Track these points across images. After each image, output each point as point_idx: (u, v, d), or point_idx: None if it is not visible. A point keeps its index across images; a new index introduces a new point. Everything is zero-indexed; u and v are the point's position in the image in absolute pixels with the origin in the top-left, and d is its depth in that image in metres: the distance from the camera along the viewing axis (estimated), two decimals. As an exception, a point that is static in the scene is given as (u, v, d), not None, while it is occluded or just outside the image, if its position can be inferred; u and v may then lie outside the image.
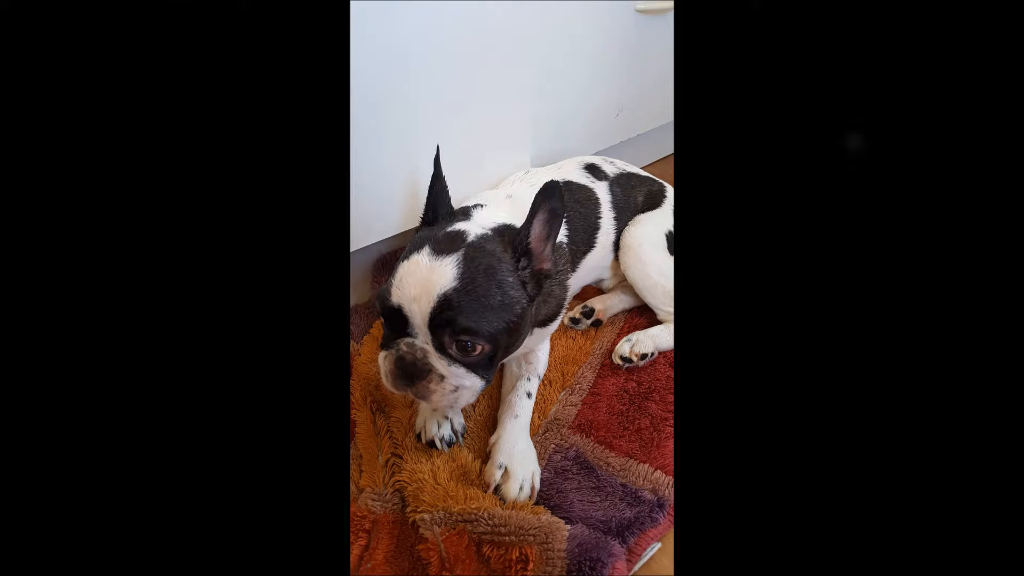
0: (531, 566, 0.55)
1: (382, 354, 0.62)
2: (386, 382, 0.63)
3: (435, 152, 0.73)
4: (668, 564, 0.61)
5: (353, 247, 0.88)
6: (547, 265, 0.67)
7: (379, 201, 0.89)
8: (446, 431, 0.71)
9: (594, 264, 0.91)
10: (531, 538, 0.57)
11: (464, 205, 0.78)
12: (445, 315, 0.57)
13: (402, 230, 0.95)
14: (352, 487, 0.67)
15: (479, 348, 0.59)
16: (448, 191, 0.74)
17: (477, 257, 0.61)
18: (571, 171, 0.94)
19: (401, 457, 0.69)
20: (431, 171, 0.73)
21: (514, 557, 0.56)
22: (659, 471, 0.69)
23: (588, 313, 0.94)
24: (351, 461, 0.71)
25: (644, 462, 0.70)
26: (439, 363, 0.60)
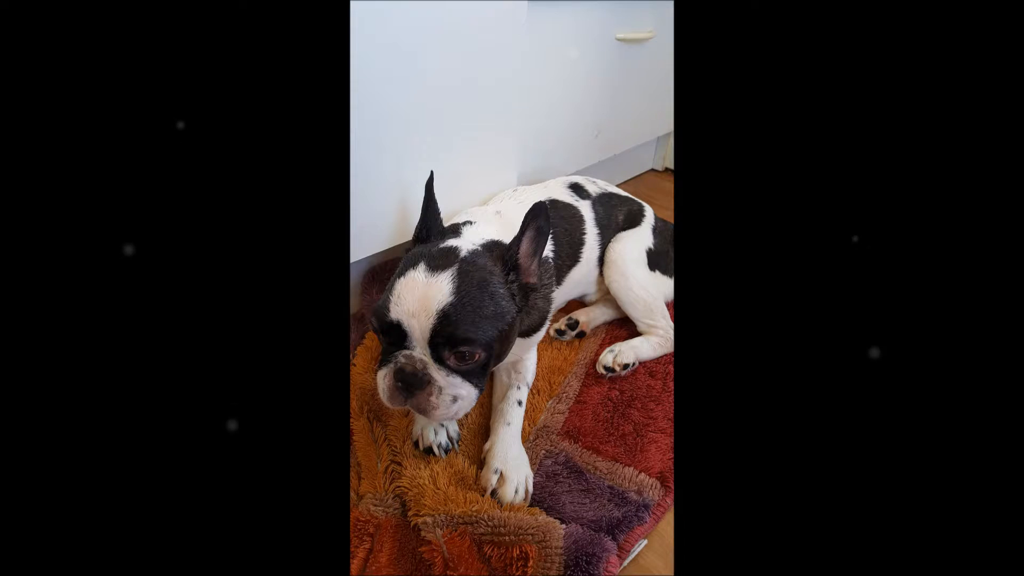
0: (531, 563, 0.58)
1: (381, 372, 0.65)
2: (384, 398, 0.65)
3: (429, 176, 0.77)
4: (655, 561, 0.66)
5: (345, 261, 0.90)
6: (533, 279, 0.72)
7: (370, 217, 0.92)
8: (443, 438, 0.74)
9: (579, 278, 0.96)
10: (530, 537, 0.60)
11: (454, 222, 0.82)
12: (445, 330, 0.61)
13: (392, 245, 0.98)
14: (352, 494, 0.70)
15: (476, 355, 0.63)
16: (439, 211, 0.78)
17: (470, 271, 0.65)
18: (556, 190, 0.99)
19: (400, 464, 0.72)
20: (422, 189, 0.77)
21: (514, 555, 0.59)
22: (643, 473, 0.73)
23: (573, 325, 0.99)
24: (350, 469, 0.73)
25: (629, 465, 0.74)
26: (438, 374, 0.63)
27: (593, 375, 0.91)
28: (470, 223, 0.80)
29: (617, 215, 1.03)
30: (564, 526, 0.63)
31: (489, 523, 0.62)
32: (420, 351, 0.63)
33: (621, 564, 0.63)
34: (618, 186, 1.22)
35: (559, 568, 0.58)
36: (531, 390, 0.86)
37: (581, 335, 0.99)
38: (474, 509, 0.64)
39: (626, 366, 0.89)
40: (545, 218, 0.68)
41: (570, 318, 0.99)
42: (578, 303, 1.07)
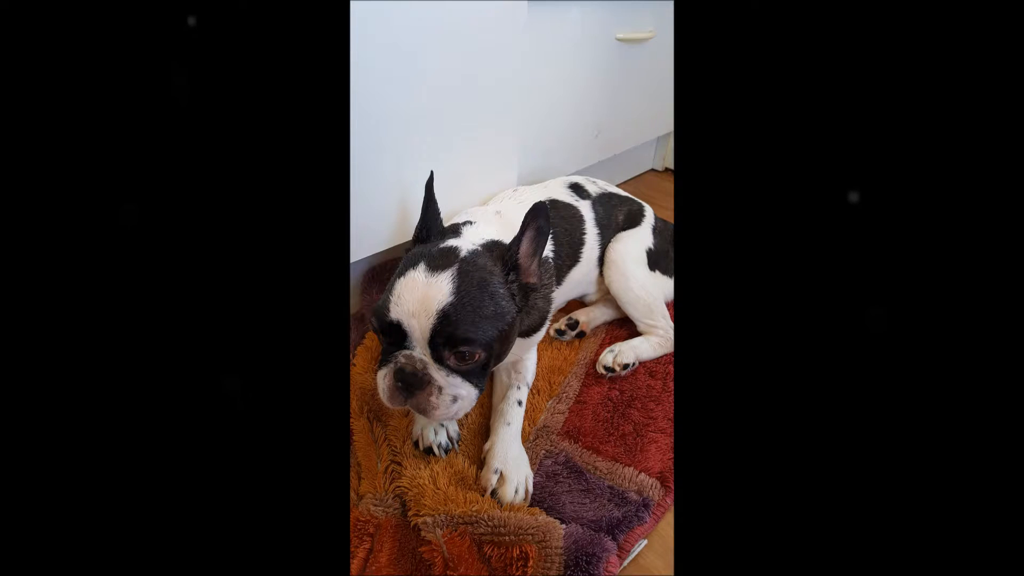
0: (531, 563, 0.58)
1: (381, 372, 0.65)
2: (384, 398, 0.65)
3: (429, 176, 0.77)
4: (655, 561, 0.66)
5: (345, 261, 0.90)
6: (533, 279, 0.72)
7: (370, 217, 0.92)
8: (443, 438, 0.75)
9: (579, 278, 0.96)
10: (530, 537, 0.60)
11: (454, 222, 0.82)
12: (445, 330, 0.61)
13: (392, 245, 0.98)
14: (352, 494, 0.70)
15: (476, 355, 0.63)
16: (439, 211, 0.78)
17: (470, 271, 0.65)
18: (556, 190, 0.99)
19: (400, 464, 0.72)
20: (422, 189, 0.77)
21: (514, 555, 0.59)
22: (643, 473, 0.73)
23: (573, 325, 0.99)
24: (350, 469, 0.73)
25: (629, 465, 0.75)
26: (438, 374, 0.63)
27: (593, 375, 0.91)
28: (470, 223, 0.80)
29: (617, 215, 1.03)
30: (564, 526, 0.63)
31: (489, 523, 0.62)
32: (420, 351, 0.63)
33: (621, 564, 0.63)
34: (618, 186, 1.22)
35: (559, 568, 0.58)
36: (531, 390, 0.86)
37: (581, 335, 0.99)
38: (474, 509, 0.64)
39: (626, 366, 0.89)
40: (545, 218, 0.68)
41: (570, 318, 0.99)
42: (578, 303, 1.07)
